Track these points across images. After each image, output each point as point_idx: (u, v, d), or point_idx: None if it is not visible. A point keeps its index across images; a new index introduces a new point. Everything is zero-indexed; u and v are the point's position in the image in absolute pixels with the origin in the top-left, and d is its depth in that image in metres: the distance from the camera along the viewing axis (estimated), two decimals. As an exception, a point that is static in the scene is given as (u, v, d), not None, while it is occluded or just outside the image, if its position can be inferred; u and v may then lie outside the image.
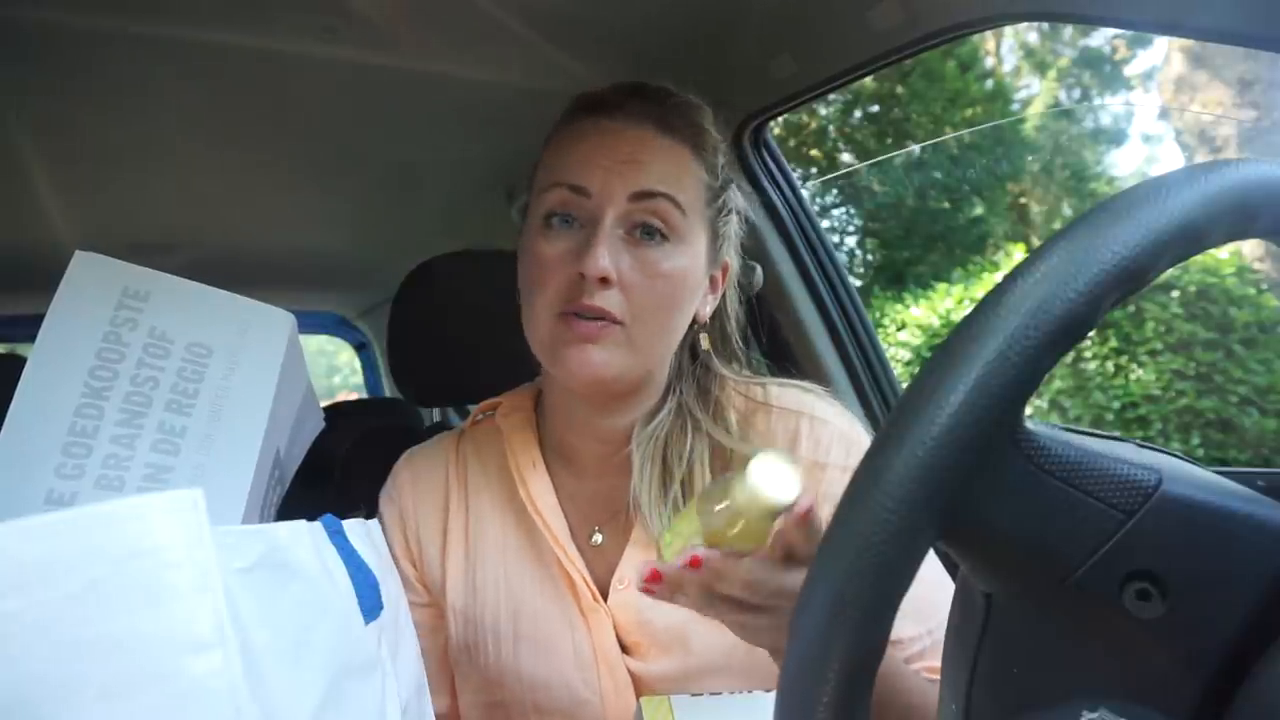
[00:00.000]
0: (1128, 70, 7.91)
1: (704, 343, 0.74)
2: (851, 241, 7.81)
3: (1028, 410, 0.31)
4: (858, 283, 5.77)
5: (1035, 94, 8.22)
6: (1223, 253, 4.02)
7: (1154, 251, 0.28)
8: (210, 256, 1.51)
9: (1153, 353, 4.22)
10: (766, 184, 1.15)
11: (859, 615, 0.29)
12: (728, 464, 0.70)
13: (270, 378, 0.62)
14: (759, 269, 1.07)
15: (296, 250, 1.74)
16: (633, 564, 0.70)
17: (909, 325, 5.21)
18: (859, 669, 0.30)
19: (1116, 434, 0.35)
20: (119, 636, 0.34)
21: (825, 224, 7.32)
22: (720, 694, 0.60)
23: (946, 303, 5.09)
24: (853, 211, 7.78)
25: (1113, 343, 4.37)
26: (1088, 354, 4.44)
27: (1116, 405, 4.33)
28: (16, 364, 0.65)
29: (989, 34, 6.76)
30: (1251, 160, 0.30)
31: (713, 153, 0.70)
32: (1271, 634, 0.29)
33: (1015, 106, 8.15)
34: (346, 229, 1.64)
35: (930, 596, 0.62)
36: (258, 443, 0.61)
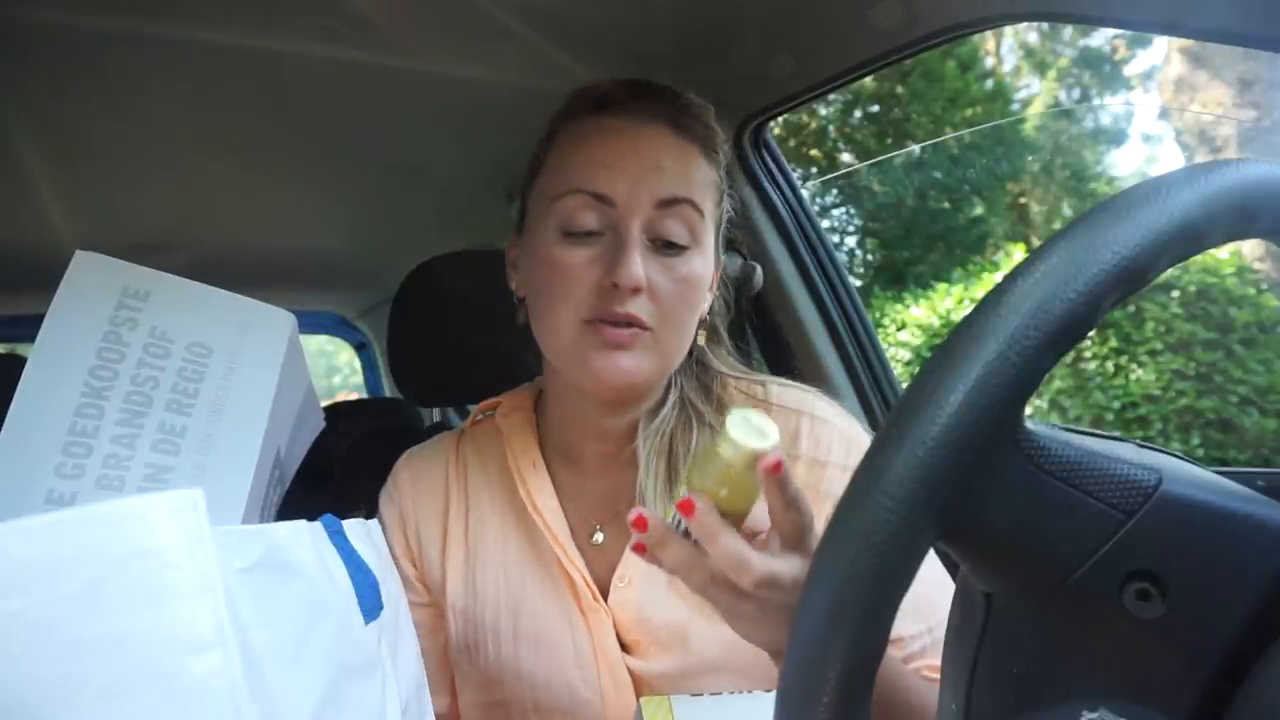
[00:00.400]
0: (1128, 70, 7.93)
1: (700, 338, 0.74)
2: (851, 241, 7.81)
3: (1028, 410, 0.31)
4: (858, 283, 5.76)
5: (1035, 94, 8.23)
6: (1223, 253, 4.02)
7: (1154, 251, 0.28)
8: (210, 256, 1.51)
9: (1153, 353, 4.23)
10: (766, 184, 1.15)
11: (859, 615, 0.29)
12: None
13: (271, 378, 0.62)
14: (759, 269, 1.07)
15: (296, 250, 1.74)
16: (634, 562, 0.70)
17: (909, 325, 5.21)
18: (859, 669, 0.30)
19: (1116, 434, 0.35)
20: (119, 636, 0.34)
21: (825, 224, 7.32)
22: (720, 694, 0.60)
23: (946, 303, 5.09)
24: (853, 211, 7.79)
25: (1113, 343, 4.37)
26: (1088, 354, 4.44)
27: (1116, 405, 4.33)
28: (16, 364, 0.65)
29: (989, 34, 6.77)
30: (1251, 160, 0.30)
31: (721, 152, 0.71)
32: (1271, 634, 0.29)
33: (1015, 106, 8.15)
34: (346, 229, 1.64)
35: (930, 596, 0.62)
36: (258, 443, 0.61)
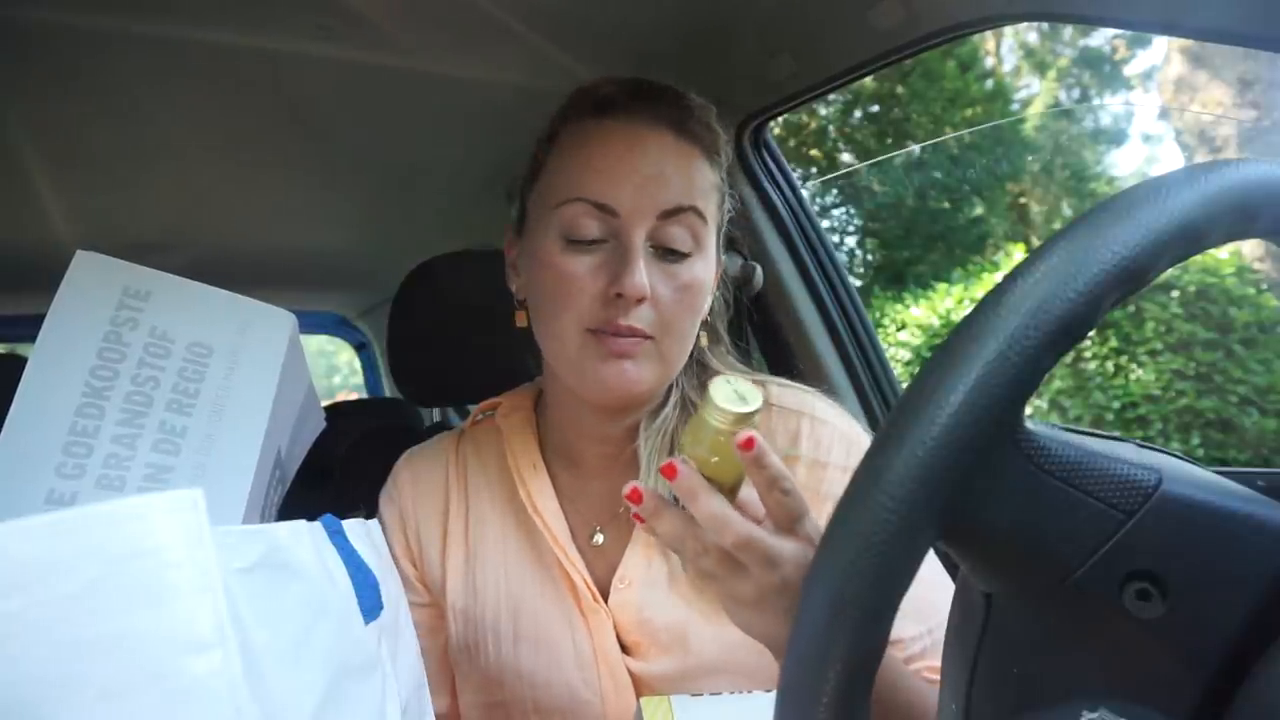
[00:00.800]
0: (1128, 70, 7.93)
1: (702, 339, 0.74)
2: (851, 241, 7.82)
3: (1028, 410, 0.31)
4: (858, 283, 5.77)
5: (1035, 94, 8.23)
6: (1223, 253, 4.02)
7: (1154, 251, 0.28)
8: (210, 256, 1.51)
9: (1153, 353, 4.23)
10: (766, 184, 1.15)
11: (859, 615, 0.29)
12: None
13: (271, 377, 0.62)
14: (759, 269, 1.07)
15: (297, 250, 1.74)
16: (635, 563, 0.70)
17: (909, 325, 5.21)
18: (859, 669, 0.30)
19: (1116, 434, 0.35)
20: (119, 636, 0.34)
21: (825, 224, 7.32)
22: (720, 694, 0.60)
23: (946, 303, 5.09)
24: (853, 211, 7.79)
25: (1113, 343, 4.37)
26: (1088, 354, 4.44)
27: (1116, 405, 4.33)
28: (17, 364, 0.65)
29: (989, 34, 6.77)
30: (1251, 160, 0.30)
31: (723, 154, 0.70)
32: (1271, 634, 0.29)
33: (1015, 106, 8.15)
34: (347, 229, 1.64)
35: (930, 596, 0.62)
36: (258, 443, 0.61)
